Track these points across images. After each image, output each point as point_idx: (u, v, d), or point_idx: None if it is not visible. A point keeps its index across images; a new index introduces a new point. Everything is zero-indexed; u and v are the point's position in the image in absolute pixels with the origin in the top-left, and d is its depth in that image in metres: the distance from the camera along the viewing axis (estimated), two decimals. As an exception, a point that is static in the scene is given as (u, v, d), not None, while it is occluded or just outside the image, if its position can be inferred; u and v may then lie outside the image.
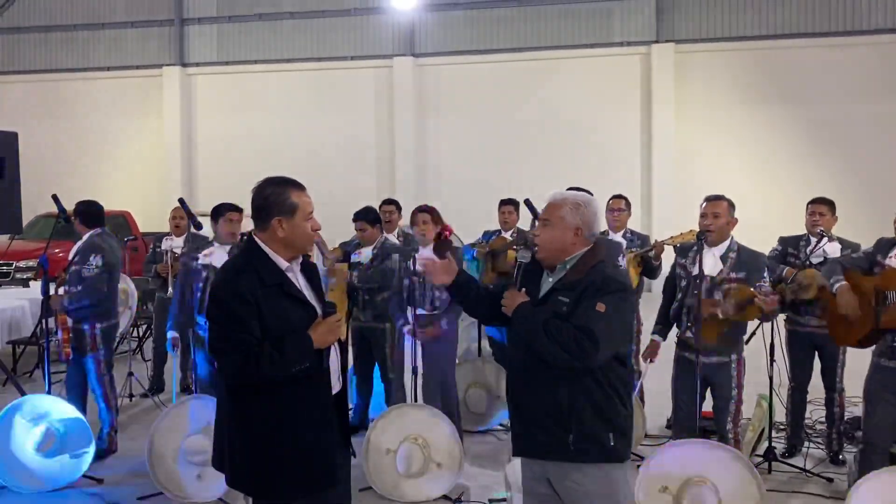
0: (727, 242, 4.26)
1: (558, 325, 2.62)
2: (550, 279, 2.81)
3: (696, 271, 4.15)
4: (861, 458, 4.10)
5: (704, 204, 4.29)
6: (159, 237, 7.23)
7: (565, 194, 2.85)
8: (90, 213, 5.14)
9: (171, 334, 5.20)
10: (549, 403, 2.70)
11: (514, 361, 2.88)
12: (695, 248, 4.29)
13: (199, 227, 5.60)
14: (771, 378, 4.93)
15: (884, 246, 4.01)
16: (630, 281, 2.84)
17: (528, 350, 2.73)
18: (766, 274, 4.25)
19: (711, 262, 4.19)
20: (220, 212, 5.15)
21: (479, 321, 3.17)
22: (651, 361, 4.57)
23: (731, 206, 4.29)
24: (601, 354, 2.60)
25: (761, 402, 5.07)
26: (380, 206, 6.42)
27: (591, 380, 2.67)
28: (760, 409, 5.05)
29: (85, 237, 5.13)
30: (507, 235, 6.52)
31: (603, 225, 2.89)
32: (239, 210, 5.16)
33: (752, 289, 4.05)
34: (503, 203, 6.68)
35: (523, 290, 2.83)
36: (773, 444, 4.95)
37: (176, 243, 6.93)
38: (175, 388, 5.81)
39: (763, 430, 4.97)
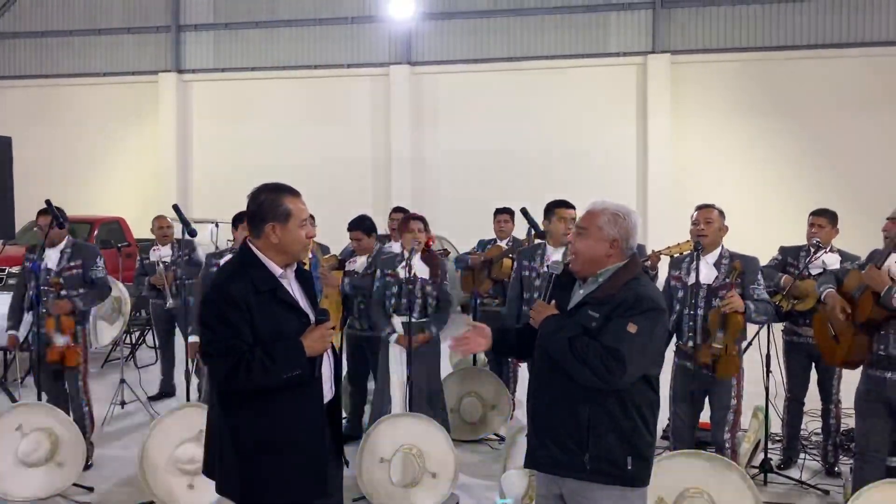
0: (718, 250, 4.32)
1: (585, 343, 2.53)
2: (581, 291, 2.72)
3: (692, 280, 4.17)
4: (855, 470, 4.08)
5: (696, 212, 4.37)
6: (145, 248, 7.21)
7: (605, 203, 2.71)
8: (64, 218, 5.11)
9: (192, 339, 5.20)
10: (568, 420, 2.62)
11: (538, 373, 2.78)
12: (688, 258, 4.33)
13: (193, 234, 5.55)
14: (767, 389, 4.92)
15: (876, 257, 4.01)
16: (664, 302, 2.75)
17: (552, 364, 2.65)
18: (759, 277, 4.28)
19: (706, 271, 4.23)
20: (241, 219, 5.12)
21: (517, 359, 3.09)
22: None
23: (722, 214, 4.37)
24: (628, 376, 2.52)
25: (757, 414, 5.06)
26: (389, 214, 6.44)
27: (616, 401, 2.58)
28: (757, 420, 5.03)
29: (66, 240, 5.13)
30: (503, 244, 6.51)
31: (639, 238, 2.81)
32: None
33: (715, 309, 4.15)
34: (498, 212, 6.67)
35: (553, 302, 2.75)
36: (770, 455, 4.93)
37: (164, 252, 6.92)
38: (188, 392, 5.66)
39: (759, 441, 4.95)
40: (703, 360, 4.16)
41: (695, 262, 4.22)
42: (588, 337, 2.56)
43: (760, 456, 4.91)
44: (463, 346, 2.82)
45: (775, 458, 5.11)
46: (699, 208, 4.39)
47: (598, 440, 2.58)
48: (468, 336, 2.81)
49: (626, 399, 2.59)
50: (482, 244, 6.74)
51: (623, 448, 2.58)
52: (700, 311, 4.18)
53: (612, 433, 2.58)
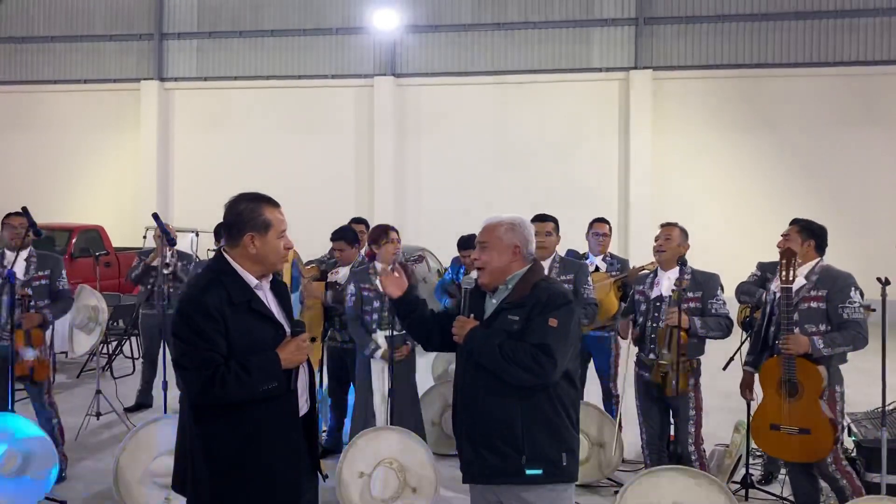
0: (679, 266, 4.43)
1: (513, 346, 2.67)
2: (494, 300, 2.87)
3: (654, 294, 4.41)
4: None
5: (659, 230, 4.59)
6: (145, 253, 7.05)
7: (499, 217, 2.94)
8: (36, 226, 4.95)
9: None
10: (501, 425, 2.71)
11: (462, 386, 2.87)
12: (652, 274, 4.57)
13: (172, 242, 5.49)
14: (749, 404, 4.93)
15: (768, 267, 4.12)
16: (572, 294, 2.91)
17: (477, 373, 2.75)
18: (719, 293, 4.40)
19: (667, 285, 4.39)
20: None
21: (430, 349, 3.18)
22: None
23: (684, 232, 4.55)
24: (558, 369, 2.67)
25: (739, 429, 5.07)
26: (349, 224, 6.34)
27: (544, 399, 2.71)
28: (738, 434, 5.03)
29: (30, 249, 4.98)
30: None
31: (535, 244, 3.00)
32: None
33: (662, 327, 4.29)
34: (462, 246, 6.11)
35: (471, 315, 2.85)
36: (750, 470, 4.93)
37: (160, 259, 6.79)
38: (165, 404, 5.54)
39: (740, 456, 4.95)
40: (655, 379, 4.30)
41: (657, 277, 4.47)
42: (511, 337, 2.70)
43: (742, 471, 4.91)
44: (382, 283, 3.00)
45: (756, 472, 5.11)
46: (662, 226, 4.59)
47: (532, 440, 2.69)
48: (388, 276, 2.98)
49: (554, 397, 2.73)
50: (454, 266, 6.53)
51: (556, 445, 2.72)
52: (660, 324, 4.32)
53: (544, 432, 2.70)
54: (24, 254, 4.91)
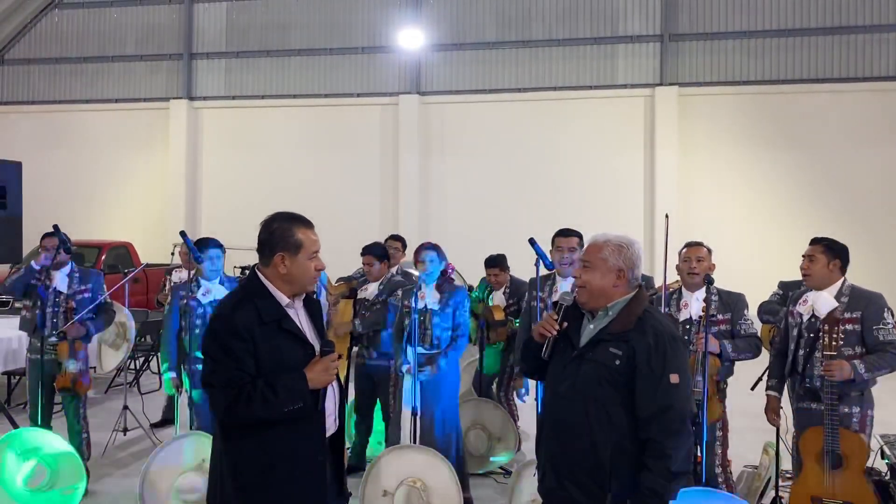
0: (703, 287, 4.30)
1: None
2: (591, 326, 2.69)
3: (683, 317, 4.26)
4: None
5: (685, 249, 4.39)
6: (169, 271, 7.19)
7: (607, 235, 2.71)
8: (70, 243, 5.12)
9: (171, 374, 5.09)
10: (590, 462, 2.58)
11: (556, 415, 2.72)
12: (676, 294, 4.39)
13: (199, 260, 5.56)
14: (777, 425, 4.84)
15: (790, 286, 4.02)
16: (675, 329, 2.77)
17: (572, 405, 2.62)
18: (746, 312, 4.30)
19: (697, 307, 4.26)
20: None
21: (530, 375, 3.04)
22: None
23: (710, 251, 4.40)
24: (687, 423, 2.56)
25: (768, 450, 4.98)
26: (385, 242, 6.38)
27: (632, 439, 2.57)
28: (767, 456, 4.95)
29: (70, 265, 5.12)
30: (501, 293, 6.30)
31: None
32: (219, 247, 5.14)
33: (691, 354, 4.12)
34: (489, 265, 6.32)
35: (565, 325, 2.70)
36: (780, 493, 4.83)
37: (183, 276, 6.90)
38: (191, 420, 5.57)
39: (770, 478, 4.86)
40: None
41: (683, 299, 4.30)
42: (610, 372, 2.55)
43: (771, 494, 4.81)
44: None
45: (786, 495, 5.00)
46: (689, 246, 4.40)
47: (619, 480, 2.54)
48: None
49: (638, 436, 2.58)
50: (483, 286, 6.56)
51: (635, 482, 2.56)
52: (691, 347, 4.17)
53: (627, 469, 2.55)
54: (65, 269, 5.09)
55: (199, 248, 4.94)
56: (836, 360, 3.75)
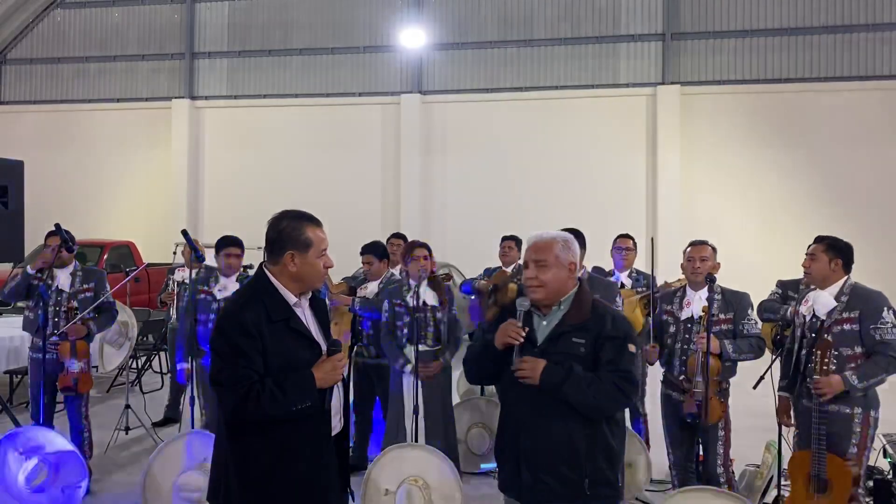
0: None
1: (593, 379, 2.63)
2: (545, 322, 2.77)
3: (685, 315, 4.27)
4: None
5: (689, 249, 4.40)
6: (171, 270, 7.18)
7: (551, 233, 2.82)
8: (73, 241, 5.11)
9: (182, 366, 5.18)
10: (564, 449, 2.65)
11: (520, 409, 2.76)
12: (680, 292, 4.41)
13: (201, 259, 5.57)
14: (780, 423, 4.83)
15: (789, 285, 4.01)
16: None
17: (537, 399, 2.66)
18: (749, 312, 4.29)
19: (699, 306, 4.25)
20: (220, 246, 5.17)
21: (479, 381, 3.09)
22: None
23: (714, 250, 4.40)
24: (637, 394, 2.67)
25: (770, 448, 4.97)
26: (387, 240, 6.41)
27: (604, 422, 2.68)
28: (769, 454, 4.94)
29: (74, 263, 5.12)
30: (508, 270, 6.50)
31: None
32: (239, 245, 5.19)
33: (692, 354, 4.15)
34: (504, 239, 6.70)
35: (526, 329, 2.74)
36: (783, 492, 4.82)
37: (186, 275, 6.91)
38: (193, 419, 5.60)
39: (772, 477, 4.85)
40: (688, 409, 4.16)
41: (686, 297, 4.30)
42: (575, 363, 2.65)
43: (773, 493, 4.81)
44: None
45: (788, 494, 5.00)
46: (693, 245, 4.41)
47: (594, 463, 2.65)
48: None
49: (611, 419, 2.72)
50: (488, 272, 6.72)
51: (612, 466, 2.70)
52: (692, 346, 4.18)
53: (603, 454, 2.67)
54: (68, 268, 5.08)
55: (218, 246, 5.10)
56: (824, 378, 3.74)
